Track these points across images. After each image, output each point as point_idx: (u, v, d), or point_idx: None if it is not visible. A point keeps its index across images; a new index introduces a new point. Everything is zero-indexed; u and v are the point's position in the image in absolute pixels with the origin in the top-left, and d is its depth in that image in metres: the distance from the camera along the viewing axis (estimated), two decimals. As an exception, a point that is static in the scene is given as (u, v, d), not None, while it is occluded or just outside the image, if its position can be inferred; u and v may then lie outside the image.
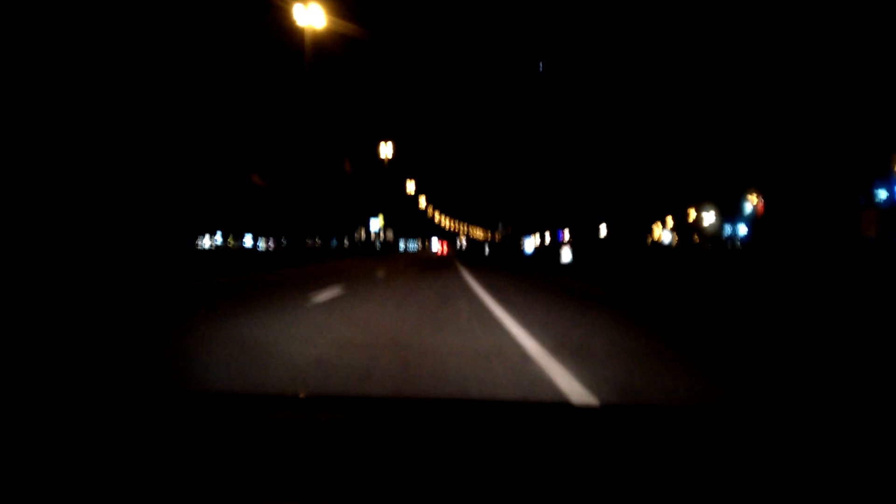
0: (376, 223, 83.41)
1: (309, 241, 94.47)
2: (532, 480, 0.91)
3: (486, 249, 69.91)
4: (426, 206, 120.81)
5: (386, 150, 74.62)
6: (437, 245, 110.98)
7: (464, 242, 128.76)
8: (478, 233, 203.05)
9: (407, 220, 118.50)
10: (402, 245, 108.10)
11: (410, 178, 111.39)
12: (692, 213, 52.13)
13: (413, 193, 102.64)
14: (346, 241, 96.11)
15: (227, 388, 3.36)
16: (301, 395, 2.25)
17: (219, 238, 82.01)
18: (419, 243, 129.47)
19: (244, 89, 77.31)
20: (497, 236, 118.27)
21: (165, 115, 62.28)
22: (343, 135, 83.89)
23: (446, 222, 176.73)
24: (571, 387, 3.56)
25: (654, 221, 57.31)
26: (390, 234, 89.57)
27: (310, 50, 35.16)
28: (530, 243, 68.75)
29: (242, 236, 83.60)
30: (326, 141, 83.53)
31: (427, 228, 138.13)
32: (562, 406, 2.60)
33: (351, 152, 78.27)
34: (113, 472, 0.91)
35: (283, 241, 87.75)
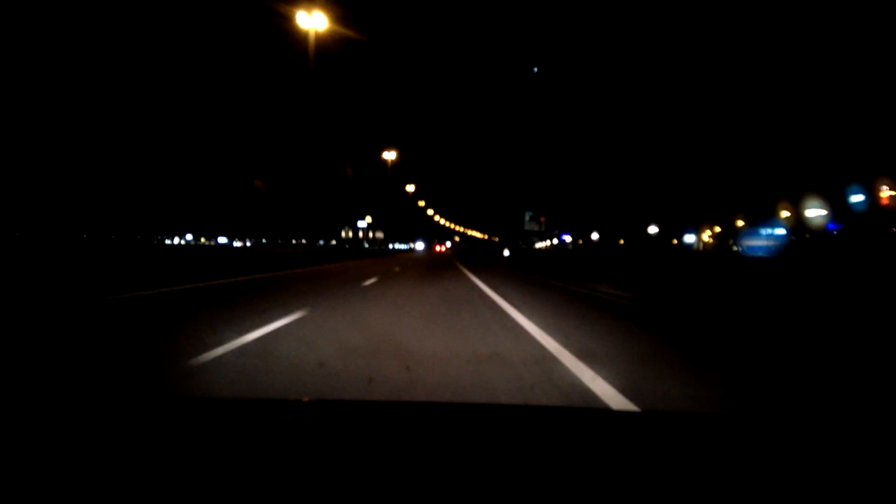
0: (364, 224, 76.59)
1: (294, 242, 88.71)
2: (577, 485, 0.92)
3: (506, 252, 43.49)
4: (415, 195, 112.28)
5: (387, 153, 67.50)
6: (421, 245, 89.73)
7: (455, 242, 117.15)
8: (475, 234, 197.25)
9: (401, 221, 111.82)
10: (391, 246, 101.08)
11: (409, 181, 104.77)
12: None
13: (401, 181, 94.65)
14: (333, 242, 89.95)
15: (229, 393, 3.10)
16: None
17: (190, 238, 75.32)
18: (411, 245, 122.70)
19: (226, 82, 71.26)
20: (495, 238, 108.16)
21: (133, 108, 56.98)
22: (338, 134, 77.78)
23: (444, 223, 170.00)
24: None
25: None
26: (380, 235, 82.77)
27: (312, 52, 31.46)
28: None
29: (216, 237, 76.80)
30: (318, 139, 77.21)
31: (422, 229, 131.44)
32: (602, 412, 2.51)
33: (348, 152, 72.08)
34: (114, 478, 0.91)
35: (264, 241, 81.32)
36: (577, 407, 2.78)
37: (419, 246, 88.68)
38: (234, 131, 67.02)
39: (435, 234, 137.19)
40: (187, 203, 66.96)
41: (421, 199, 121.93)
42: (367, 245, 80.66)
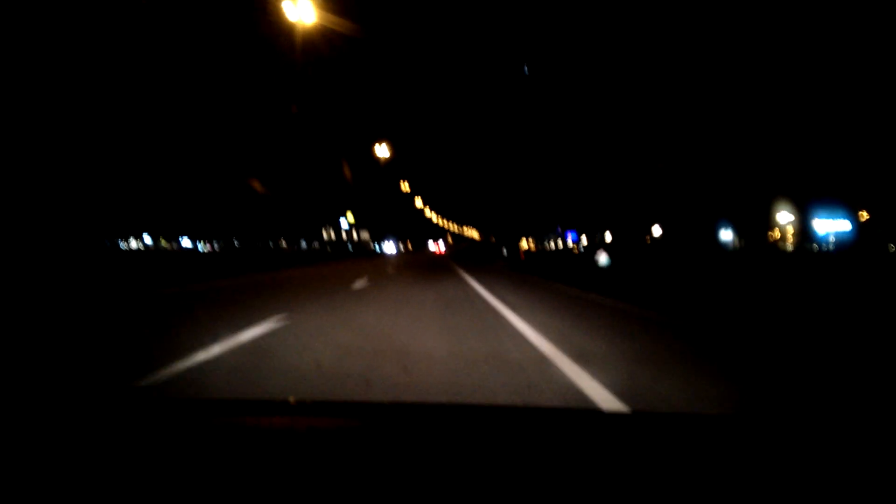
0: (346, 224, 68.58)
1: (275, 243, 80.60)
2: (563, 486, 0.93)
3: (604, 260, 21.06)
4: (409, 190, 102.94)
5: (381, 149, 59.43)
6: (391, 247, 72.98)
7: (449, 243, 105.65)
8: (472, 233, 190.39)
9: (391, 219, 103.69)
10: (379, 247, 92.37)
11: (401, 177, 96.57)
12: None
13: (392, 175, 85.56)
14: (316, 244, 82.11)
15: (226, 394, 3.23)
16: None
17: (150, 242, 66.98)
18: (401, 245, 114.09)
19: (188, 61, 63.35)
20: (492, 238, 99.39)
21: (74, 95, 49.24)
22: (324, 125, 69.87)
23: (437, 220, 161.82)
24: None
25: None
26: (365, 235, 74.75)
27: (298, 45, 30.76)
28: None
29: (178, 238, 68.46)
30: (300, 129, 69.28)
31: (415, 228, 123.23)
32: (592, 413, 2.49)
33: (339, 147, 64.41)
34: (107, 481, 0.91)
35: (237, 243, 73.30)
36: (568, 408, 2.81)
37: (389, 248, 70.32)
38: (199, 116, 58.83)
39: (427, 232, 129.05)
40: (144, 199, 58.93)
41: (414, 194, 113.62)
42: (350, 247, 72.57)
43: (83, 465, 0.96)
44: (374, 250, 71.66)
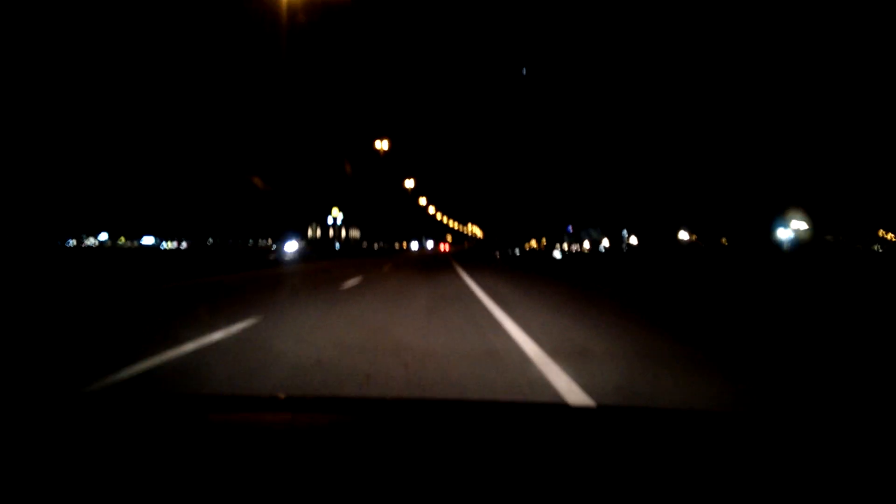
0: (331, 220, 61.03)
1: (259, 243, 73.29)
2: (528, 481, 0.93)
3: None
4: (411, 187, 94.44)
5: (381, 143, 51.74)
6: (292, 246, 47.27)
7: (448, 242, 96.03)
8: (475, 230, 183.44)
9: (386, 217, 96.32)
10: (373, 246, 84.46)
11: (404, 175, 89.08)
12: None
13: (392, 169, 77.78)
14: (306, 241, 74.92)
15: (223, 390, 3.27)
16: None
17: (105, 239, 59.55)
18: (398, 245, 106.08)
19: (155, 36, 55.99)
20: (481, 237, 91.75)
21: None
22: (315, 116, 62.80)
23: (438, 215, 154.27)
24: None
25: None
26: (356, 234, 67.35)
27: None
28: None
29: (140, 236, 60.86)
30: (282, 120, 62.01)
31: (415, 227, 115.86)
32: (558, 407, 2.51)
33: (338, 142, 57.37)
34: (101, 478, 0.90)
35: (211, 241, 65.93)
36: (539, 402, 2.85)
37: (290, 247, 45.70)
38: (166, 97, 51.46)
39: (424, 230, 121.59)
40: (102, 192, 51.58)
41: (417, 191, 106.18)
42: (338, 246, 65.16)
43: (76, 460, 0.95)
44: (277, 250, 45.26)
